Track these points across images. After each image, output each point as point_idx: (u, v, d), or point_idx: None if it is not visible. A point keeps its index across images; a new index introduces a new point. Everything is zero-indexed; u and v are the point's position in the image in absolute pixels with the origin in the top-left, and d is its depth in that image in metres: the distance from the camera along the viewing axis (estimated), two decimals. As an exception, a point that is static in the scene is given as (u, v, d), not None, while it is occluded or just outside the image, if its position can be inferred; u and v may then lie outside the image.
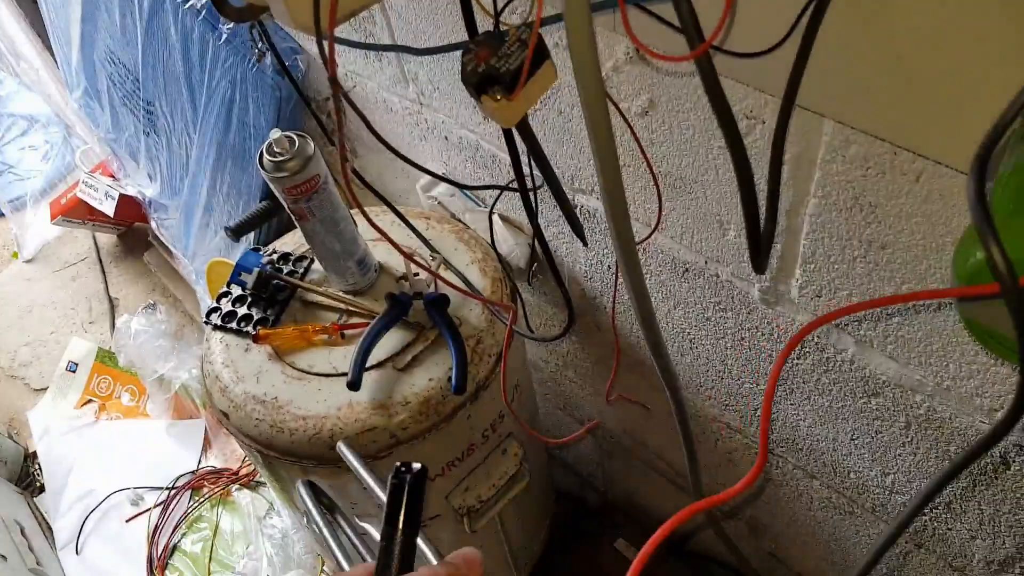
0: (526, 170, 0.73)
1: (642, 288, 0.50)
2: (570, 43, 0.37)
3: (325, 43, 0.45)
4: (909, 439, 0.76)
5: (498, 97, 0.44)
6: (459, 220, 1.15)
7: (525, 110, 0.47)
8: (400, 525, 0.40)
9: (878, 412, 0.77)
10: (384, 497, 0.41)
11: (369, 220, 0.53)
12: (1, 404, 2.35)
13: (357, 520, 0.62)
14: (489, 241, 1.06)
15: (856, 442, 0.83)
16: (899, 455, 0.79)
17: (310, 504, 0.60)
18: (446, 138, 1.10)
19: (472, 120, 1.01)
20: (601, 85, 0.38)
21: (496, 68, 0.44)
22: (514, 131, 0.59)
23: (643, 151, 0.71)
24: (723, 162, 0.70)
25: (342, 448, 0.68)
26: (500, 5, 0.52)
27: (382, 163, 1.35)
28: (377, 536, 0.40)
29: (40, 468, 2.13)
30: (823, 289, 0.71)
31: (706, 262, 0.81)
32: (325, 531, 0.58)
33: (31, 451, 2.19)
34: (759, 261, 0.60)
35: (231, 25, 1.28)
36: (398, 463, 0.40)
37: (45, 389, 2.28)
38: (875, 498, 0.87)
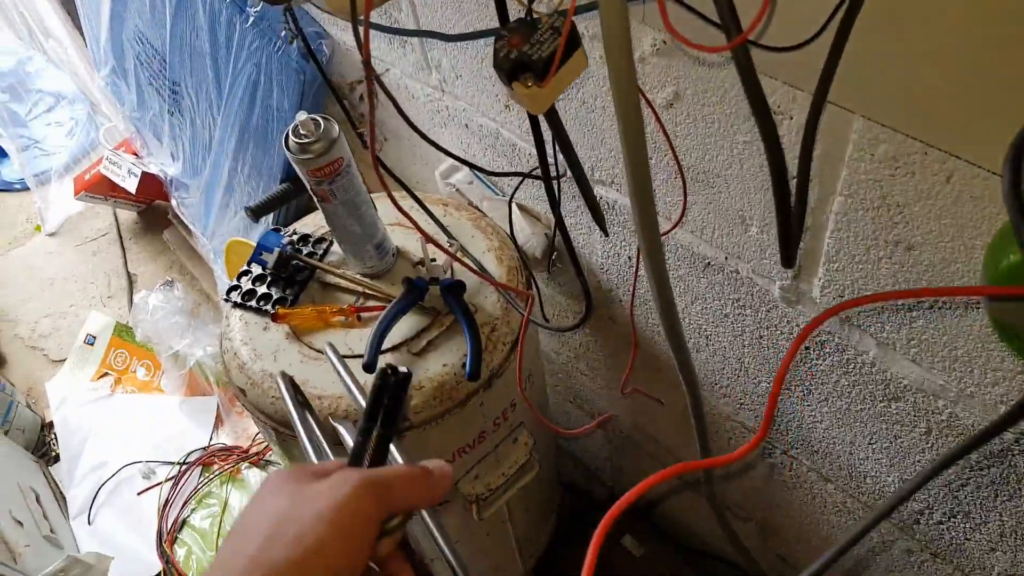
0: (549, 159, 0.72)
1: (665, 280, 0.49)
2: (604, 31, 0.36)
3: (360, 28, 0.45)
4: (929, 445, 0.75)
5: (529, 84, 0.44)
6: (476, 208, 1.15)
7: (555, 97, 0.47)
8: (379, 422, 0.42)
9: (898, 417, 0.76)
10: (363, 401, 0.43)
11: (395, 203, 0.53)
12: (20, 374, 2.38)
13: (331, 419, 0.63)
14: (507, 230, 1.06)
15: (874, 446, 0.82)
16: (918, 461, 0.78)
17: (286, 395, 0.61)
18: (466, 126, 1.10)
19: (493, 108, 1.00)
20: (633, 73, 0.37)
21: (528, 55, 0.44)
22: (540, 119, 0.58)
23: (670, 142, 0.71)
24: (747, 156, 0.69)
25: (327, 349, 0.70)
26: None
27: (401, 149, 1.35)
28: (348, 439, 0.42)
29: (56, 438, 2.16)
30: (846, 289, 0.70)
31: (726, 258, 0.81)
32: (298, 424, 0.59)
33: (48, 421, 2.21)
34: (789, 254, 0.59)
35: (258, 8, 1.28)
36: (386, 365, 0.42)
37: (63, 361, 2.30)
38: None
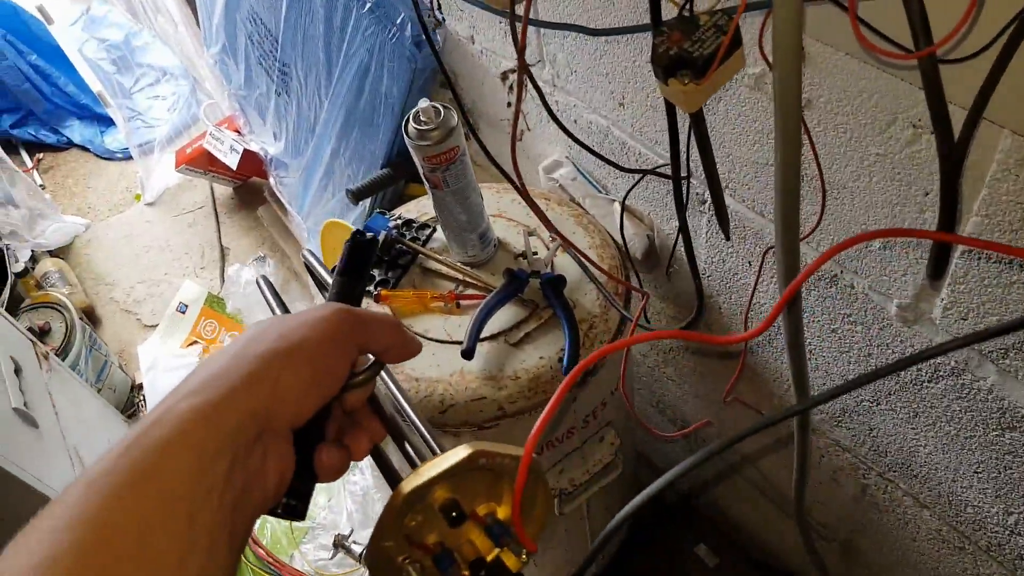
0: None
1: (797, 296, 0.50)
2: (775, 32, 0.38)
3: (516, 21, 0.48)
4: (1043, 479, 0.73)
5: (686, 81, 0.45)
6: (578, 204, 1.16)
7: (710, 95, 0.48)
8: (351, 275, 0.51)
9: (1011, 447, 0.74)
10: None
11: (527, 198, 0.55)
12: (114, 336, 2.53)
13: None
14: (610, 229, 1.07)
15: (980, 476, 0.81)
16: (1028, 495, 0.76)
17: (267, 294, 0.65)
18: (575, 121, 1.11)
19: (606, 106, 1.02)
20: (799, 76, 0.39)
21: (689, 52, 0.45)
22: (678, 117, 0.60)
23: (814, 148, 0.70)
24: (878, 170, 0.69)
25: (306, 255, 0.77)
26: None
27: (503, 140, 1.38)
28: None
29: (144, 399, 2.28)
30: (970, 312, 0.69)
31: (842, 271, 0.80)
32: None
33: (138, 383, 2.34)
34: (940, 269, 0.59)
35: (377, -6, 1.33)
36: (356, 230, 0.50)
37: (155, 326, 2.43)
38: (992, 537, 0.84)
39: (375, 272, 1.07)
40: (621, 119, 1.00)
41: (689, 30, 0.46)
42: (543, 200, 1.14)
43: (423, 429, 0.54)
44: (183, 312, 2.36)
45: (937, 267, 0.60)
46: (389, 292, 1.03)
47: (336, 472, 0.46)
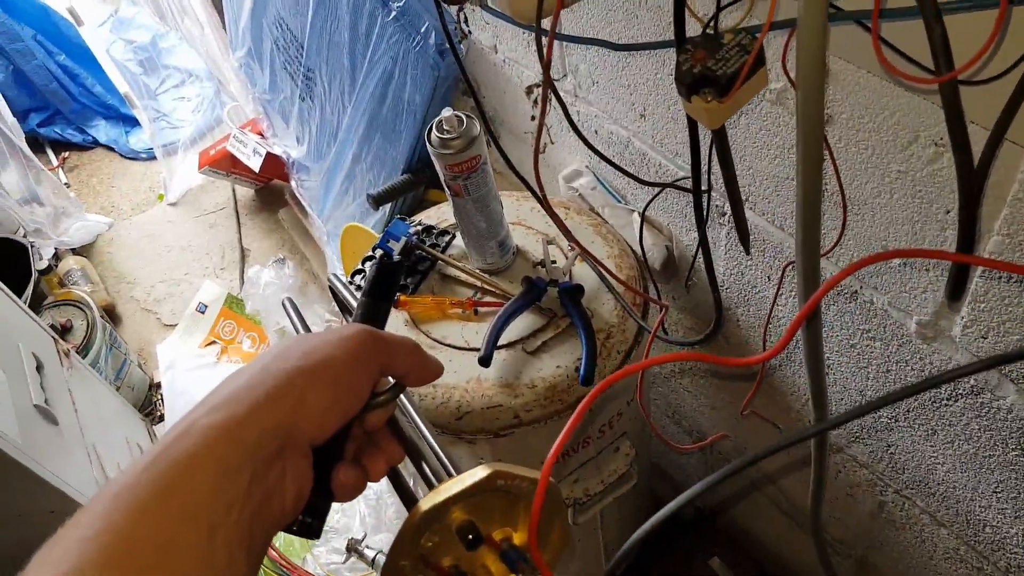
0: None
1: (817, 312, 0.50)
2: (799, 51, 0.39)
3: (543, 35, 0.49)
4: (1063, 501, 0.73)
5: (709, 99, 0.46)
6: (597, 214, 1.17)
7: (733, 113, 0.49)
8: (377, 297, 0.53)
9: (1031, 468, 0.74)
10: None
11: (548, 208, 0.56)
12: (134, 335, 2.56)
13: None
14: (629, 239, 1.08)
15: (1000, 495, 0.80)
16: (1048, 516, 0.76)
17: (292, 315, 0.67)
18: (595, 132, 1.12)
19: (627, 117, 1.03)
20: (823, 93, 0.39)
21: (712, 70, 0.46)
22: (700, 131, 0.60)
23: (835, 165, 0.71)
24: (899, 187, 0.69)
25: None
26: (717, 8, 0.54)
27: (524, 148, 1.39)
28: None
29: (162, 399, 2.31)
30: (990, 331, 0.69)
31: (861, 287, 0.81)
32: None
33: (156, 382, 2.38)
34: (958, 292, 0.59)
35: (401, 2, 1.35)
36: (382, 254, 0.51)
37: (174, 326, 2.46)
38: (1012, 558, 0.84)
39: (395, 278, 1.09)
40: (642, 130, 1.01)
41: (713, 48, 0.47)
42: (562, 209, 1.15)
43: (440, 452, 0.55)
44: (202, 312, 2.39)
45: (956, 289, 0.61)
46: (408, 298, 1.04)
47: (353, 491, 0.47)
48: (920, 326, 0.76)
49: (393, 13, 1.35)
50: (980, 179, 0.51)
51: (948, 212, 0.66)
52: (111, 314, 2.59)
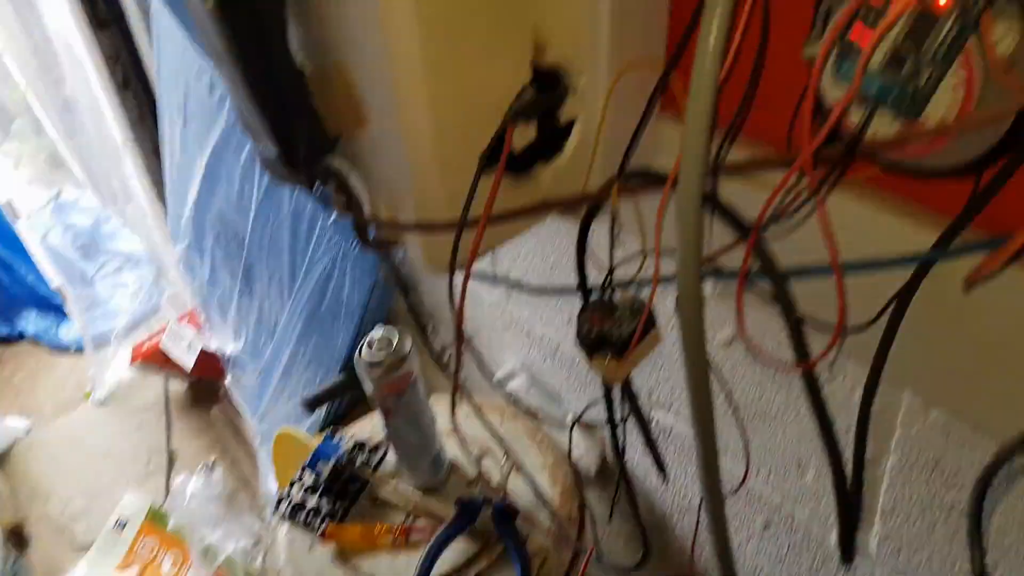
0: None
1: (725, 534, 0.54)
2: (679, 303, 0.45)
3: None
4: None
5: (607, 359, 0.53)
6: (533, 415, 1.23)
7: (631, 369, 0.55)
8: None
9: None
10: None
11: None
12: (43, 557, 2.48)
13: None
14: (561, 443, 1.13)
15: None
16: None
17: None
18: (528, 334, 1.20)
19: (555, 321, 1.11)
20: (704, 351, 0.45)
21: (609, 333, 0.53)
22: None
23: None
24: (805, 403, 0.75)
25: None
26: (609, 271, 0.61)
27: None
28: None
29: (66, 635, 2.20)
30: (902, 548, 0.73)
31: (782, 500, 0.85)
32: None
33: (63, 615, 2.27)
34: (848, 548, 0.64)
35: (340, 204, 1.46)
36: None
37: (89, 546, 2.39)
38: None
39: (323, 502, 1.10)
40: (569, 335, 1.09)
41: (608, 312, 0.54)
42: (497, 415, 1.20)
43: None
44: (121, 528, 2.34)
45: (847, 550, 0.65)
46: (335, 527, 1.06)
47: None
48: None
49: (333, 216, 1.46)
50: (862, 431, 0.57)
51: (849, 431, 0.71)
52: (19, 535, 2.52)
